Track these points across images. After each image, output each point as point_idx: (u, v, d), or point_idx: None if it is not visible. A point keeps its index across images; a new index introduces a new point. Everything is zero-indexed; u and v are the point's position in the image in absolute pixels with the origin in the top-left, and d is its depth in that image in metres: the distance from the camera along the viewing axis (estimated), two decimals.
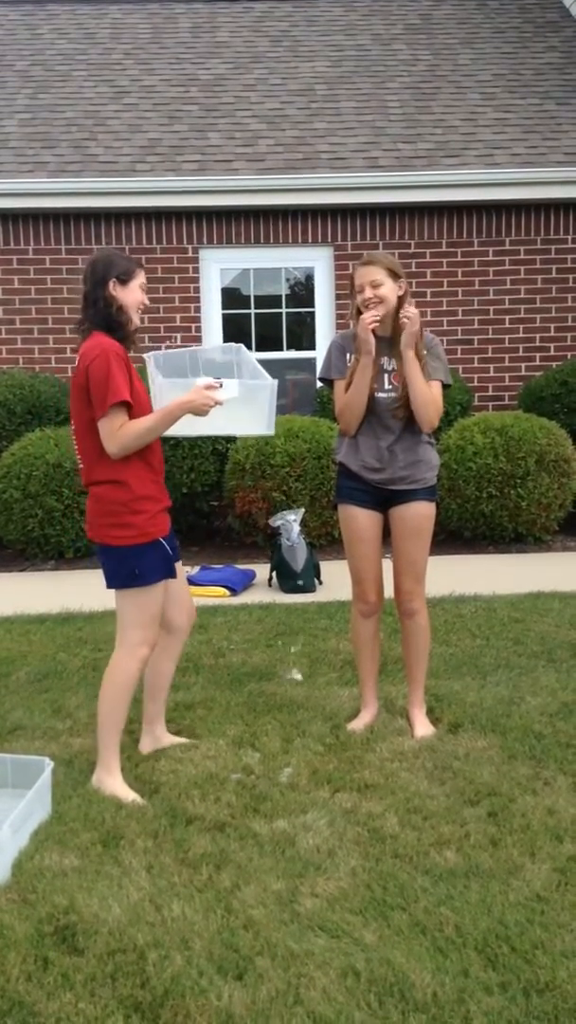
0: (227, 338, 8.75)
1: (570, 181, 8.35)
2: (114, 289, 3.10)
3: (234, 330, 8.76)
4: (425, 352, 3.40)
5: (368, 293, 3.34)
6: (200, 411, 3.05)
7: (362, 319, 3.32)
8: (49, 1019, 2.05)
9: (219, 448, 7.07)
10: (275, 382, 3.22)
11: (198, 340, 8.59)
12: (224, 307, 8.73)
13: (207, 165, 8.40)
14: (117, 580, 3.14)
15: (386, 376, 3.43)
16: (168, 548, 3.16)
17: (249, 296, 8.81)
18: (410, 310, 3.30)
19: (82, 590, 5.96)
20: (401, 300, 3.38)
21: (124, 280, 3.11)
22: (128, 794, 3.08)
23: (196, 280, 8.56)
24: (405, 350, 3.33)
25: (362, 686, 3.71)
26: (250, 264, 8.72)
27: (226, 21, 10.66)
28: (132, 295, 3.13)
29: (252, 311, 8.79)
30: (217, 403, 3.06)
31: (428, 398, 3.37)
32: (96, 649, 4.68)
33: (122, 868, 2.63)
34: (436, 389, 3.43)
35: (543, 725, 3.56)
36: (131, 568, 3.09)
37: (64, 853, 2.71)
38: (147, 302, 3.22)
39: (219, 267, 8.67)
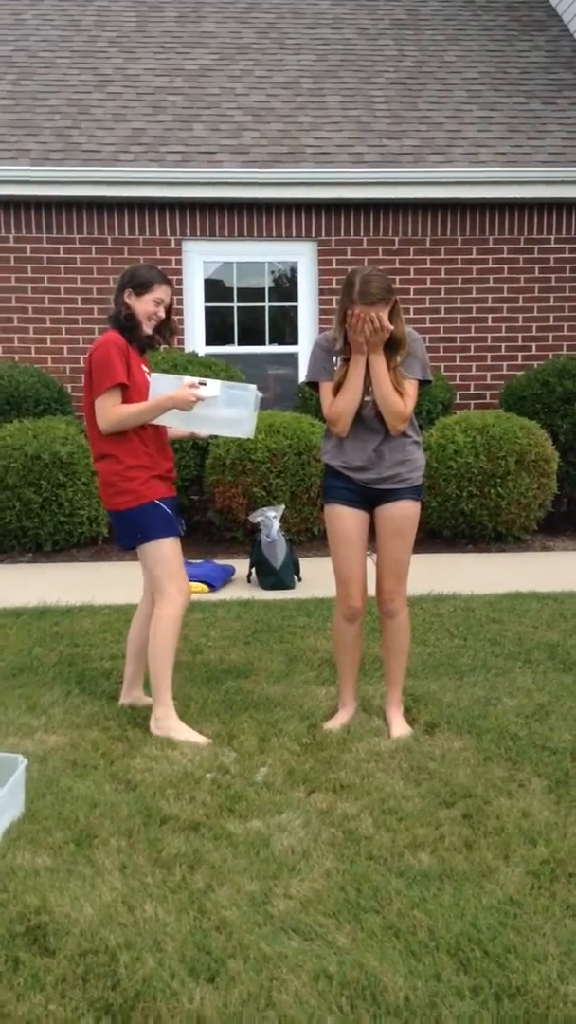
0: (210, 331, 8.71)
1: (554, 181, 8.37)
2: (128, 297, 3.56)
3: (217, 323, 8.73)
4: (403, 351, 3.39)
5: (375, 324, 3.27)
6: (184, 406, 3.44)
7: (352, 322, 3.28)
8: (19, 1021, 2.03)
9: (200, 443, 7.04)
10: (258, 394, 3.50)
11: (180, 333, 8.54)
12: (207, 299, 8.69)
13: (191, 156, 8.34)
14: (127, 539, 3.60)
15: (370, 382, 3.42)
16: (166, 508, 3.55)
17: (232, 289, 8.77)
18: (353, 318, 3.27)
19: (60, 583, 5.93)
20: (390, 316, 3.34)
21: (139, 292, 3.56)
22: (188, 733, 3.46)
23: (179, 272, 8.51)
24: (369, 354, 3.34)
25: (341, 685, 3.70)
26: (233, 257, 8.68)
27: (212, 11, 10.59)
28: (143, 305, 3.56)
29: (235, 304, 8.75)
30: (199, 399, 3.42)
31: (390, 404, 3.36)
32: (73, 644, 4.65)
33: (95, 868, 2.61)
34: (411, 388, 3.42)
35: (519, 727, 3.56)
36: (134, 527, 3.54)
37: (37, 852, 2.69)
38: (160, 314, 3.60)
39: (202, 259, 8.63)
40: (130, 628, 3.87)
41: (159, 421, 3.52)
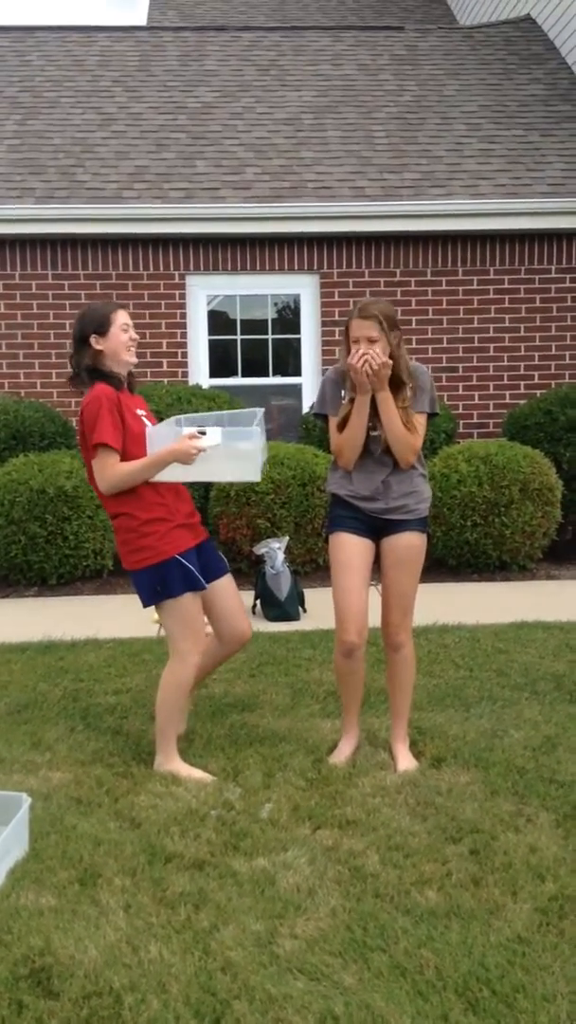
0: (213, 363, 8.77)
1: (553, 212, 8.44)
2: (97, 343, 3.37)
3: (220, 355, 8.78)
4: (410, 386, 3.42)
5: (363, 348, 3.31)
6: (185, 459, 3.26)
7: (351, 360, 3.31)
8: None
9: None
10: (257, 430, 3.31)
11: (184, 366, 8.60)
12: (210, 333, 8.75)
13: (194, 193, 8.44)
14: (147, 598, 3.45)
15: (378, 416, 3.44)
16: (185, 564, 3.38)
17: (235, 321, 8.84)
18: (351, 358, 3.29)
19: (65, 618, 5.93)
20: (394, 347, 3.38)
21: (102, 331, 3.37)
22: (187, 770, 3.42)
23: (183, 306, 8.58)
24: (376, 392, 3.35)
25: (344, 714, 3.68)
26: (236, 291, 8.75)
27: (214, 50, 10.76)
28: (115, 340, 3.38)
29: (238, 337, 8.81)
30: (200, 451, 3.25)
31: (400, 438, 3.38)
32: (77, 679, 4.65)
33: (99, 908, 2.60)
34: (420, 422, 3.44)
35: (526, 760, 3.54)
36: (152, 585, 3.40)
37: (41, 892, 2.67)
38: (135, 336, 3.44)
39: (205, 293, 8.70)
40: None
41: (160, 478, 3.34)
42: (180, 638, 3.42)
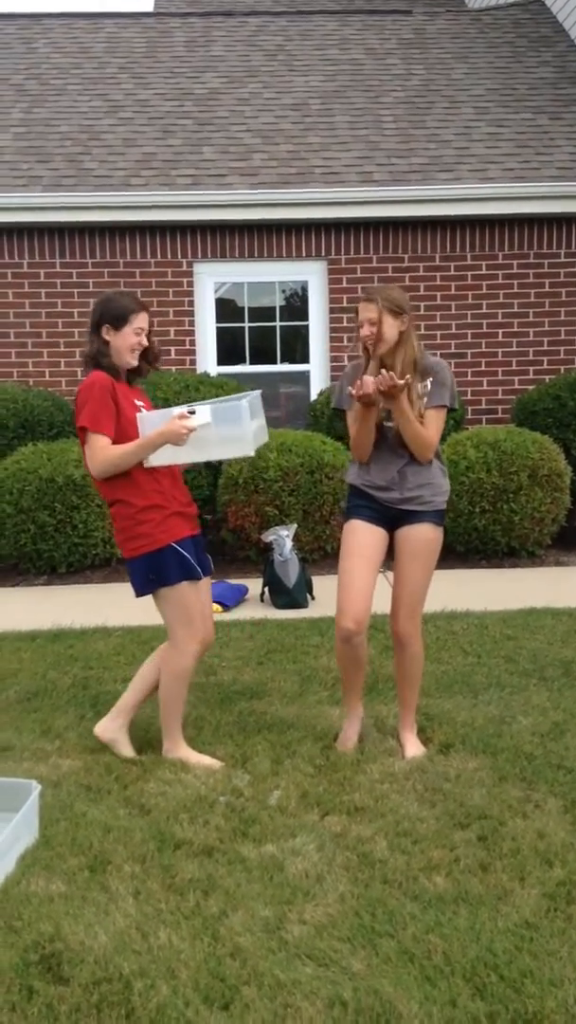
0: (221, 351, 8.75)
1: (562, 196, 8.38)
2: (107, 334, 3.34)
3: (228, 343, 8.77)
4: (429, 380, 3.42)
5: (366, 330, 3.35)
6: (176, 440, 3.22)
7: (362, 384, 3.27)
8: None
9: (213, 463, 7.06)
10: (245, 404, 3.22)
11: (192, 354, 8.59)
12: (218, 320, 8.73)
13: (201, 179, 8.41)
14: (140, 586, 3.42)
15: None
16: (181, 551, 3.36)
17: (243, 309, 8.82)
18: (360, 380, 3.28)
19: (74, 606, 5.95)
20: (403, 336, 3.39)
21: (117, 325, 3.33)
22: (196, 757, 3.44)
23: (190, 294, 8.56)
24: (389, 403, 3.34)
25: (344, 697, 3.66)
26: (244, 278, 8.73)
27: (221, 35, 10.70)
28: (123, 339, 3.35)
29: (246, 324, 8.80)
30: (191, 430, 3.20)
31: (415, 438, 3.38)
32: (87, 667, 4.67)
33: (109, 894, 2.61)
34: (438, 417, 3.43)
35: (534, 746, 3.54)
36: (146, 573, 3.36)
37: (51, 879, 2.69)
38: (143, 343, 3.39)
39: (213, 280, 8.68)
40: (149, 658, 3.64)
41: (155, 461, 3.29)
42: (177, 627, 3.40)
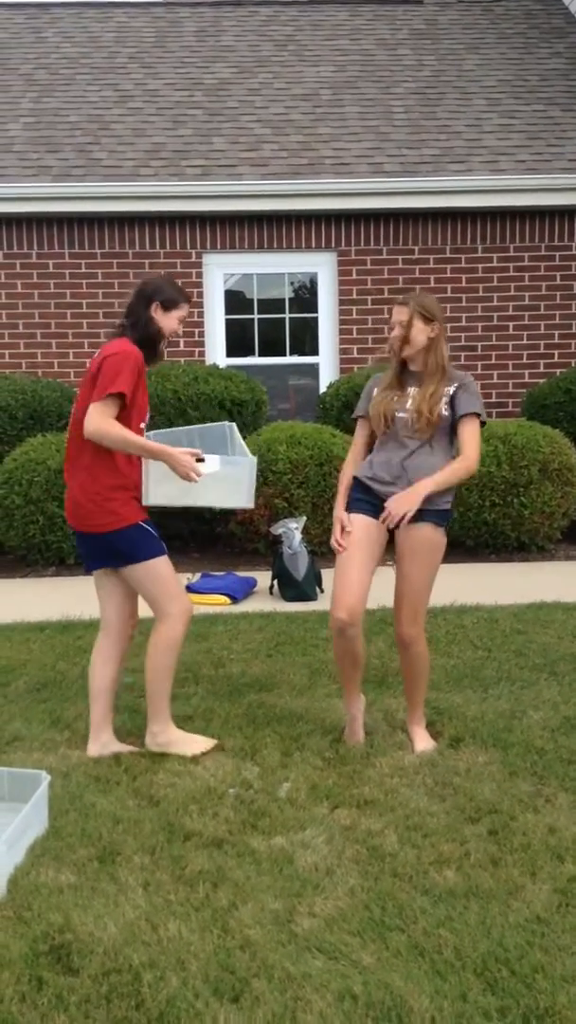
0: (230, 343, 8.73)
1: (574, 188, 8.32)
2: (155, 311, 3.43)
3: (237, 334, 8.75)
4: (453, 387, 3.46)
5: (396, 332, 3.44)
6: (180, 471, 3.27)
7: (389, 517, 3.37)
8: None
9: (204, 511, 7.03)
10: (255, 460, 3.45)
11: (201, 345, 8.58)
12: (227, 312, 8.71)
13: (211, 170, 8.38)
14: (102, 561, 3.42)
15: (408, 399, 3.44)
16: (148, 528, 3.39)
17: (252, 300, 8.80)
18: (388, 508, 3.36)
19: (83, 597, 5.94)
20: (432, 342, 3.43)
21: (167, 307, 3.45)
22: (191, 740, 3.45)
23: (199, 285, 8.54)
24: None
25: (343, 692, 3.60)
26: (253, 269, 8.70)
27: (231, 25, 10.65)
28: (168, 322, 3.47)
29: (255, 316, 8.77)
30: (198, 474, 3.29)
31: (456, 479, 3.41)
32: None
33: (118, 885, 2.61)
34: (471, 425, 3.43)
35: (545, 740, 3.53)
36: (116, 550, 3.37)
37: (60, 869, 2.69)
38: (179, 332, 3.53)
39: (222, 272, 8.66)
40: (91, 666, 3.57)
41: (153, 500, 3.33)
42: (167, 600, 3.41)
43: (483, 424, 3.49)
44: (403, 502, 3.33)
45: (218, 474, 3.34)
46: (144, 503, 3.36)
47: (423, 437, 3.41)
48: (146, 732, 3.50)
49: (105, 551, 3.40)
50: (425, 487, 3.34)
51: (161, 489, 3.34)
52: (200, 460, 3.31)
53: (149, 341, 3.44)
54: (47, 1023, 2.07)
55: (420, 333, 3.41)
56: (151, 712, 3.48)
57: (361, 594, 3.40)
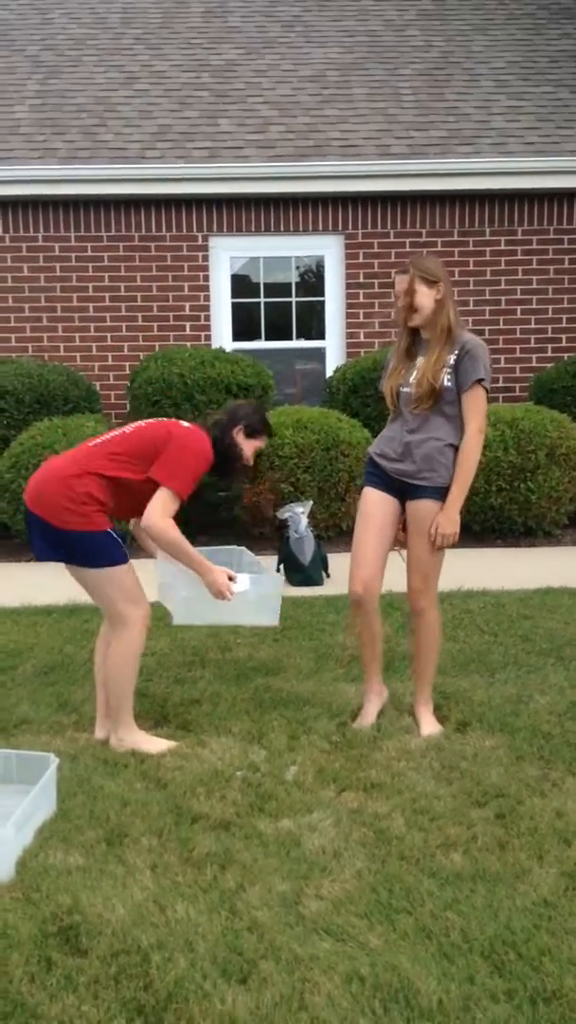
0: (236, 327, 8.70)
1: None
2: (237, 435, 3.53)
3: (244, 318, 8.72)
4: (454, 354, 3.41)
5: (401, 301, 3.41)
6: (212, 588, 3.39)
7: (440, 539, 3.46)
8: (52, 1022, 2.03)
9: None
10: (282, 577, 3.73)
11: (207, 329, 8.55)
12: (233, 295, 8.68)
13: (217, 152, 8.34)
14: (60, 555, 3.36)
15: (413, 373, 3.44)
16: (115, 535, 3.38)
17: (259, 284, 8.76)
18: (432, 535, 3.42)
19: None
20: (440, 304, 3.39)
21: (249, 435, 3.56)
22: (155, 742, 3.39)
23: (205, 268, 8.51)
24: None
25: (364, 672, 3.69)
26: (260, 252, 8.66)
27: (238, 6, 10.56)
28: (244, 450, 3.55)
29: (262, 300, 8.74)
30: (232, 593, 3.41)
31: (469, 464, 3.41)
32: None
33: (126, 867, 2.62)
34: (474, 396, 3.38)
35: (552, 725, 3.53)
36: (80, 552, 3.34)
37: (69, 851, 2.70)
38: (250, 462, 3.59)
39: (229, 255, 8.62)
40: (95, 655, 3.63)
41: (184, 620, 3.51)
42: (122, 606, 3.38)
43: (486, 391, 3.43)
44: (445, 525, 3.40)
45: (247, 593, 3.44)
46: (174, 623, 3.53)
47: (425, 410, 3.39)
48: (111, 736, 3.44)
49: (63, 545, 3.34)
50: (455, 504, 3.40)
51: (190, 608, 3.49)
52: (231, 579, 3.41)
53: (222, 456, 3.50)
54: (56, 1003, 2.08)
55: (425, 298, 3.37)
56: (115, 720, 3.42)
57: (376, 567, 3.50)
